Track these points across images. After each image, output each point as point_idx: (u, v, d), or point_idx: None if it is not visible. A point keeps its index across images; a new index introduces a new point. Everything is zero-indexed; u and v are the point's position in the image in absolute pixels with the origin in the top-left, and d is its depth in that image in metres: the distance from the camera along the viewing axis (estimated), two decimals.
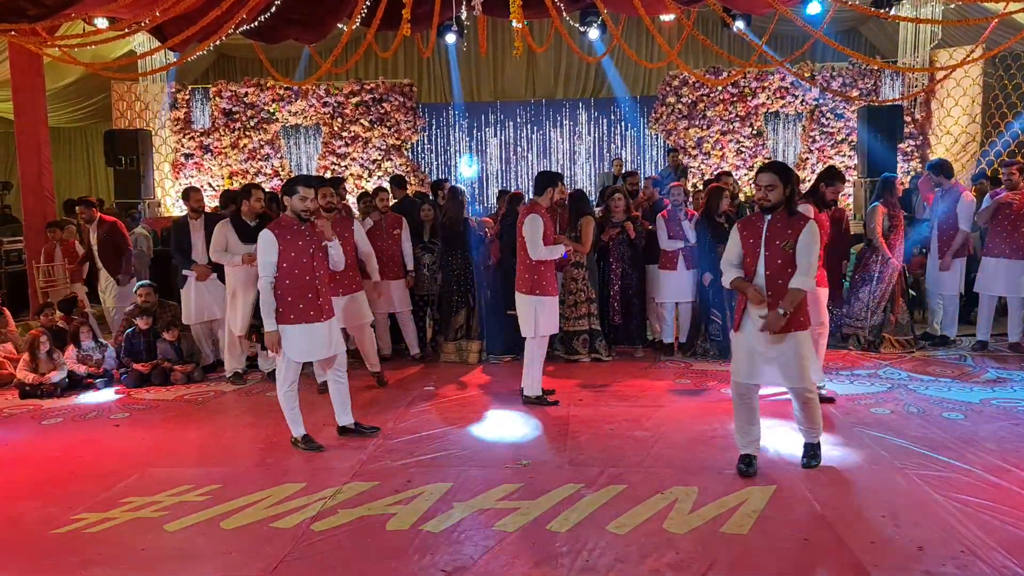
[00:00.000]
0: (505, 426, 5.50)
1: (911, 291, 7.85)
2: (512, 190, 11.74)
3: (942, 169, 7.70)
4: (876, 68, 12.95)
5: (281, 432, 5.38)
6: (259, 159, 14.06)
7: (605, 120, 14.44)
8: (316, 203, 4.96)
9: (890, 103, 11.70)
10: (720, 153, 13.68)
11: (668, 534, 3.69)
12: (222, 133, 14.04)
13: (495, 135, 14.57)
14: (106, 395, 6.68)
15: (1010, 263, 7.23)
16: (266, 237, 4.79)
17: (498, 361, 7.42)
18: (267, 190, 7.80)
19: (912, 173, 11.99)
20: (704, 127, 13.70)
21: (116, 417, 6.00)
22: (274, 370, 6.81)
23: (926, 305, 8.14)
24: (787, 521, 3.80)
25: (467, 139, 14.54)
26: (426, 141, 14.54)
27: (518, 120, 14.53)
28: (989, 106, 12.25)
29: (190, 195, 7.26)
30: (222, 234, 6.61)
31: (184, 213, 7.39)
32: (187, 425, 5.74)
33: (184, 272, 7.14)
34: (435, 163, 14.56)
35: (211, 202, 11.36)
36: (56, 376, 6.70)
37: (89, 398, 6.61)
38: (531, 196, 6.19)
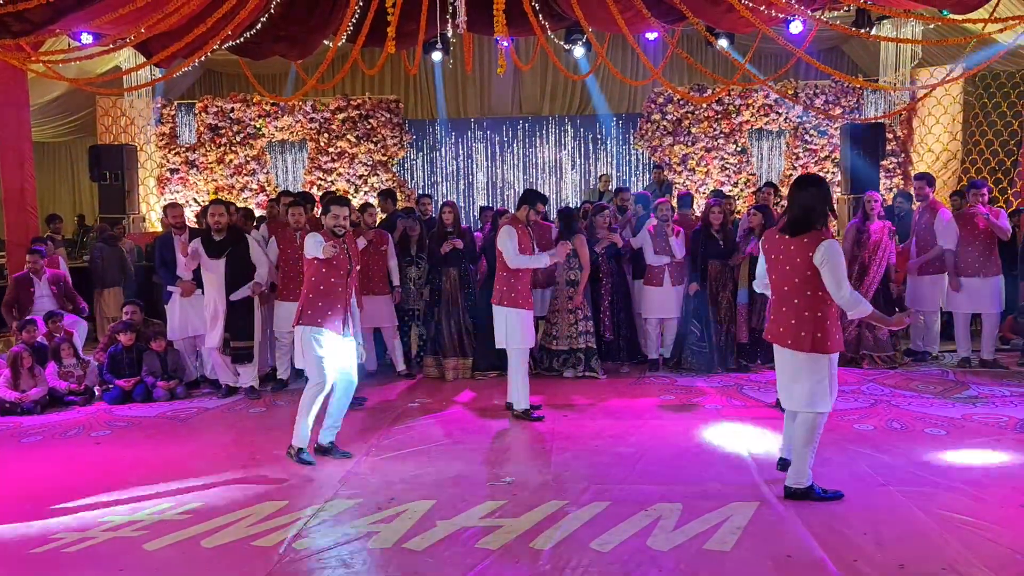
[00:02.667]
0: (489, 443, 5.49)
1: (896, 308, 7.89)
2: (496, 207, 11.80)
3: (931, 182, 7.77)
4: (858, 87, 13.09)
5: (264, 449, 5.35)
6: (245, 174, 14.03)
7: (591, 137, 14.50)
8: (347, 221, 5.13)
9: (872, 121, 11.81)
10: (705, 170, 13.76)
11: (651, 551, 3.69)
12: (208, 148, 14.01)
13: (481, 151, 14.60)
14: (87, 412, 6.61)
15: (978, 281, 7.31)
16: (316, 238, 4.96)
17: (484, 377, 7.41)
18: (240, 205, 7.83)
19: (894, 190, 12.10)
20: (689, 144, 13.78)
21: (97, 434, 5.95)
22: (252, 386, 6.86)
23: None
24: (770, 538, 3.80)
25: (453, 155, 14.57)
26: (412, 157, 14.56)
27: (504, 136, 14.58)
28: (969, 124, 12.39)
29: (168, 211, 7.27)
30: (191, 247, 6.69)
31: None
32: (169, 442, 5.69)
33: (168, 288, 7.11)
34: (422, 179, 14.57)
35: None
36: (36, 393, 6.63)
37: (70, 415, 6.54)
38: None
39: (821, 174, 12.82)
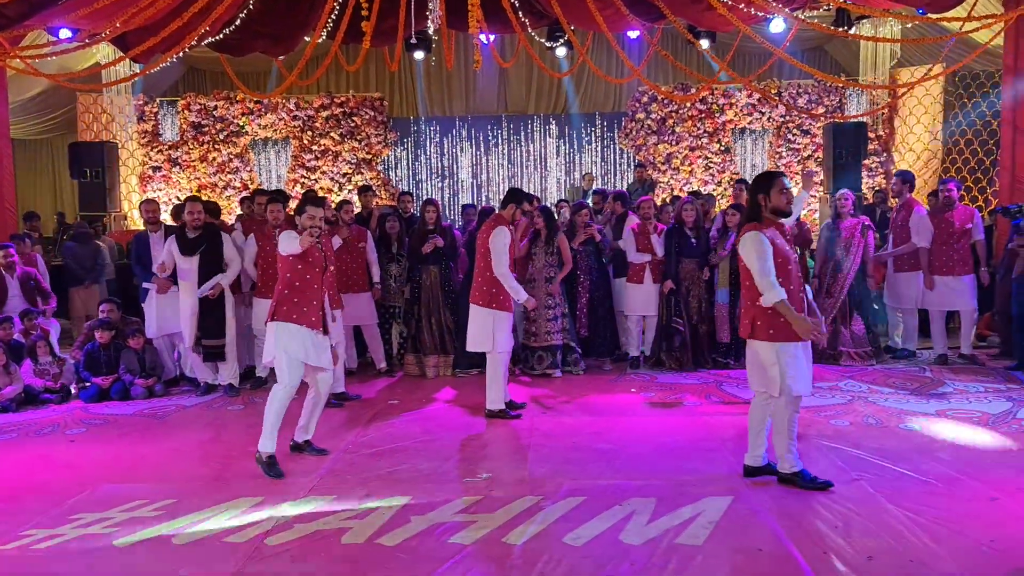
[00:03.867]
0: (468, 440, 5.49)
1: (874, 305, 7.95)
2: (480, 205, 11.79)
3: (908, 179, 7.82)
4: (840, 86, 13.16)
5: (241, 445, 5.33)
6: (228, 172, 13.96)
7: (575, 135, 14.51)
8: (323, 222, 5.04)
9: (853, 119, 11.89)
10: (689, 169, 13.80)
11: (624, 545, 3.70)
12: (191, 146, 13.93)
13: (466, 150, 14.59)
14: (63, 410, 6.57)
15: (952, 280, 7.37)
16: (292, 234, 4.89)
17: (465, 375, 7.41)
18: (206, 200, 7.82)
19: (876, 188, 12.17)
20: (673, 143, 13.82)
21: (73, 432, 5.91)
22: (231, 384, 6.85)
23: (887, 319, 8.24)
24: (742, 532, 3.82)
25: (438, 153, 14.55)
26: (397, 155, 14.52)
27: (489, 135, 14.57)
28: (949, 123, 12.50)
29: (142, 207, 7.25)
30: (165, 248, 6.69)
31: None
32: (145, 440, 5.66)
33: (144, 285, 7.07)
34: (407, 177, 14.54)
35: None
36: (11, 391, 6.58)
37: (45, 413, 6.49)
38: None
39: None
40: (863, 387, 6.63)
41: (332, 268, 5.33)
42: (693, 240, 7.39)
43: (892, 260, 7.74)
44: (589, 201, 8.66)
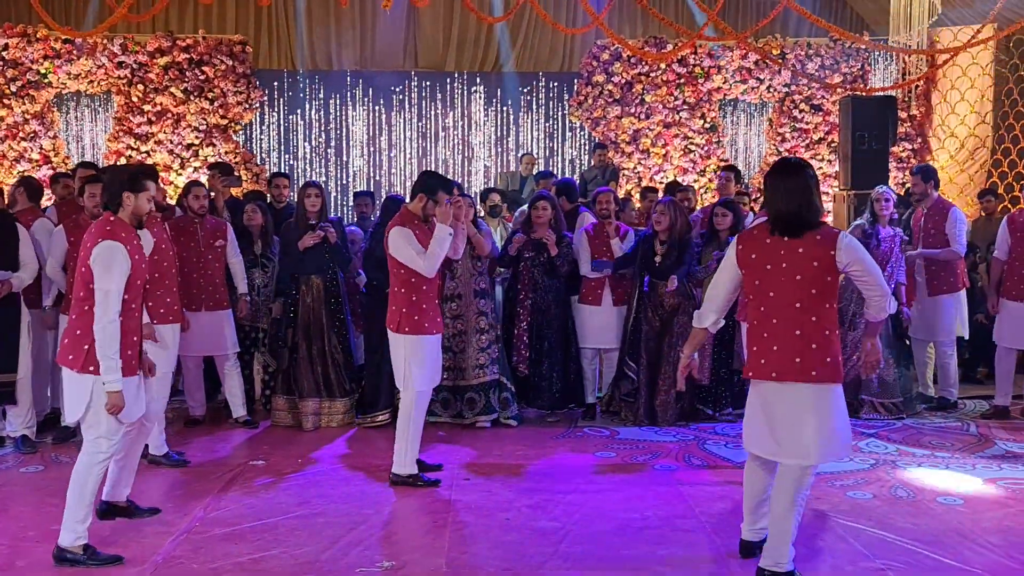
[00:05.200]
0: (364, 514, 5.48)
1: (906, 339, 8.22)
2: (383, 193, 11.80)
3: (930, 174, 8.13)
4: (863, 47, 13.57)
5: (39, 525, 5.20)
6: (23, 138, 13.62)
7: (511, 102, 14.62)
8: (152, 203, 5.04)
9: (880, 92, 12.22)
10: (663, 151, 14.02)
11: None
12: None
13: (359, 117, 14.56)
14: None
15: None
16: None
17: (364, 422, 7.45)
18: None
19: (908, 185, 12.57)
20: (642, 117, 14.04)
21: None
22: (24, 435, 6.71)
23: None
24: None
25: (320, 120, 14.46)
26: (265, 121, 14.40)
27: (392, 98, 14.57)
28: (1002, 102, 12.97)
29: None
30: None
31: None
32: None
33: None
34: (277, 152, 14.42)
35: None
36: None
37: None
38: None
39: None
40: (890, 448, 6.87)
41: (149, 274, 5.26)
42: (657, 257, 7.44)
43: (926, 282, 8.00)
44: (528, 187, 8.75)
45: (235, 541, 5.03)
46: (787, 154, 13.95)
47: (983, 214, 11.03)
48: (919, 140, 13.93)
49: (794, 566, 4.40)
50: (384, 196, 9.34)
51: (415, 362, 5.94)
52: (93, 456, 4.74)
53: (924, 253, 7.96)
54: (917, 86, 13.62)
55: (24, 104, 13.63)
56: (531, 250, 7.62)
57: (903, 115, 13.48)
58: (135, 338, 4.87)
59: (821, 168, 13.84)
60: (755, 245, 4.45)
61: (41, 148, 13.67)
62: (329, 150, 14.55)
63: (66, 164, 13.14)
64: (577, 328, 7.79)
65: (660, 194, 9.74)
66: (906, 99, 13.79)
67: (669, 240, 7.37)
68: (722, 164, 13.04)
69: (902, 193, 12.03)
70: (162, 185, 8.11)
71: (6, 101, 13.59)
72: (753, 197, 12.04)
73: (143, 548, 4.91)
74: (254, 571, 4.63)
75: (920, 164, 8.44)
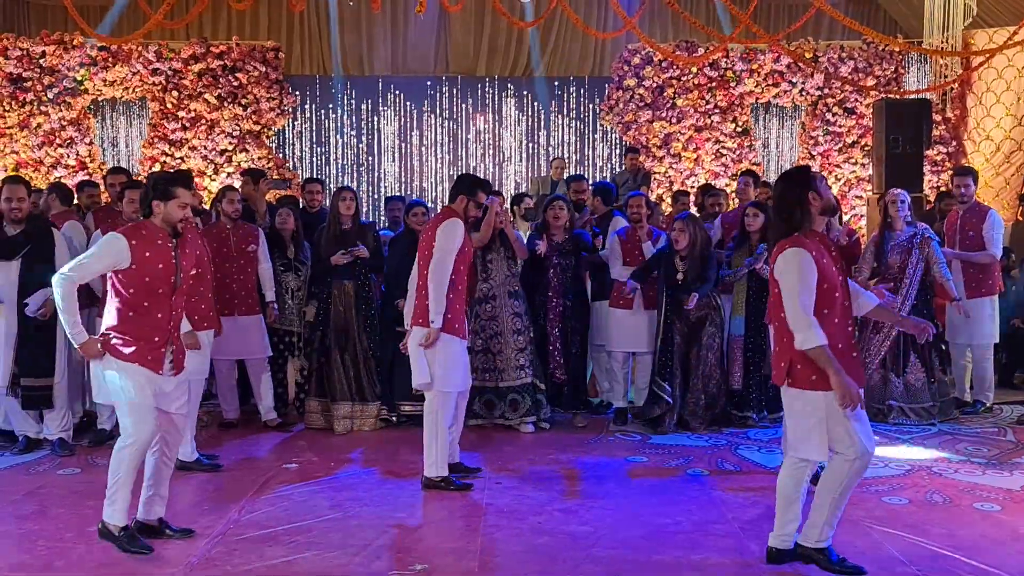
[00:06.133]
0: (396, 517, 5.50)
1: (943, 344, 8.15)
2: (410, 197, 11.83)
3: (976, 177, 8.06)
4: (897, 50, 13.50)
5: (76, 526, 5.25)
6: (60, 145, 13.78)
7: (542, 106, 14.64)
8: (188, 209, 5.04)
9: (915, 95, 12.18)
10: (694, 155, 14.00)
11: None
12: (7, 107, 13.72)
13: (391, 122, 14.62)
14: None
15: None
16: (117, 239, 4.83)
17: (389, 424, 7.51)
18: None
19: (941, 188, 12.49)
20: (673, 121, 14.03)
21: None
22: (61, 439, 6.77)
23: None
24: None
25: (352, 125, 14.53)
26: (297, 127, 14.49)
27: (423, 103, 14.63)
28: None
29: None
30: None
31: None
32: None
33: None
34: (309, 157, 14.51)
35: None
36: None
37: None
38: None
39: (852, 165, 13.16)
40: (925, 454, 6.80)
41: (198, 273, 5.34)
42: (679, 275, 7.35)
43: (964, 284, 7.93)
44: (560, 191, 8.77)
45: (268, 544, 5.05)
46: (821, 158, 13.90)
47: (1020, 218, 10.93)
48: (954, 143, 13.85)
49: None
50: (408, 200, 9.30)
51: (438, 362, 5.93)
52: (122, 440, 4.88)
53: (960, 255, 7.90)
54: (952, 88, 13.57)
55: (61, 111, 13.79)
56: (557, 255, 7.62)
57: (938, 118, 13.42)
58: (157, 338, 4.89)
59: (855, 172, 13.77)
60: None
61: (77, 154, 13.82)
62: (361, 154, 14.62)
63: (102, 170, 13.24)
64: (609, 331, 7.78)
65: (692, 198, 9.72)
66: (941, 102, 13.72)
67: (690, 256, 7.34)
68: (755, 167, 13.02)
69: (931, 197, 11.96)
70: (197, 191, 8.19)
71: (43, 108, 13.76)
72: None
73: (178, 549, 4.95)
74: (287, 573, 4.65)
75: (963, 166, 8.37)
